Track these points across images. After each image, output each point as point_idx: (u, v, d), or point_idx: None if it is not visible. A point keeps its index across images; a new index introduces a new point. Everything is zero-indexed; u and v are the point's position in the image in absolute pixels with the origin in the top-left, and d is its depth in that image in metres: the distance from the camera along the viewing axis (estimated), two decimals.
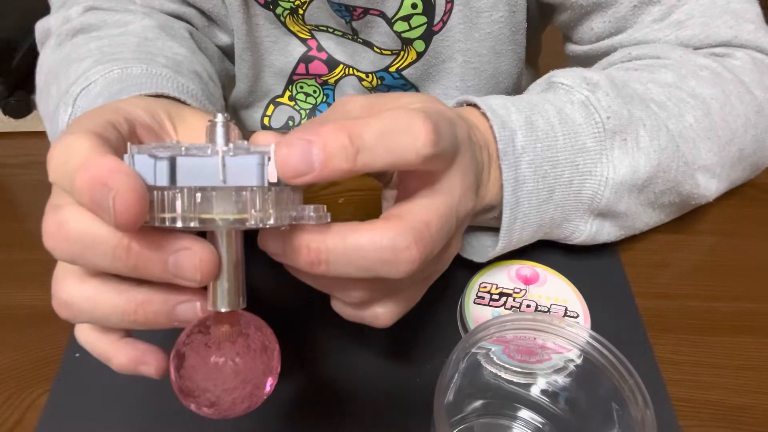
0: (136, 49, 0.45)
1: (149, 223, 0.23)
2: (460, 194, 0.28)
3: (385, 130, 0.24)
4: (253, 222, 0.23)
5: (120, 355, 0.27)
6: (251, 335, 0.26)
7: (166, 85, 0.39)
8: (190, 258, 0.24)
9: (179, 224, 0.23)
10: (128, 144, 0.23)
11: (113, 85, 0.39)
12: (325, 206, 0.25)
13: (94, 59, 0.42)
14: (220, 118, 0.24)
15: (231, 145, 0.23)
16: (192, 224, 0.23)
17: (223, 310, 0.25)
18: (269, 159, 0.23)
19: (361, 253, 0.25)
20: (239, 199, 0.23)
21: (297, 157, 0.22)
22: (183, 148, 0.23)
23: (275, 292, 0.41)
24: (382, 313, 0.29)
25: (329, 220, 0.25)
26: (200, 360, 0.25)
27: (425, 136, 0.24)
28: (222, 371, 0.25)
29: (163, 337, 0.28)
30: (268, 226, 0.23)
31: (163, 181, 0.22)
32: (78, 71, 0.42)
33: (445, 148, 0.26)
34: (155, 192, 0.23)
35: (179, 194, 0.23)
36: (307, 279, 0.28)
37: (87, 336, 0.28)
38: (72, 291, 0.26)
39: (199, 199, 0.23)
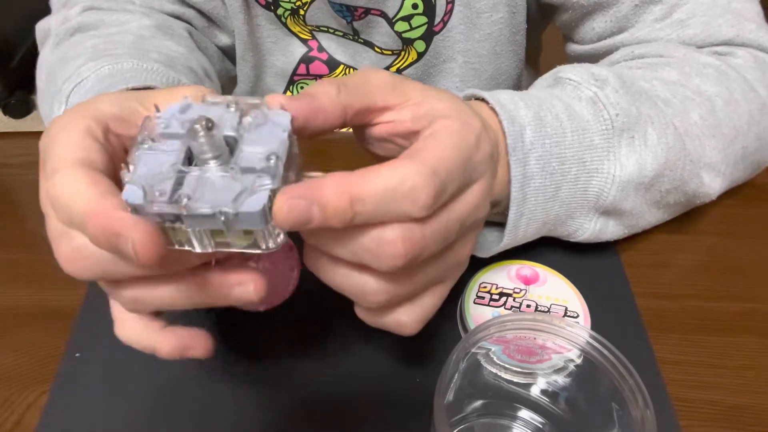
0: (131, 45, 0.45)
1: (168, 246, 0.24)
2: (473, 202, 0.28)
3: (388, 195, 0.24)
4: (265, 247, 0.24)
5: (165, 344, 0.28)
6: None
7: (155, 78, 0.39)
8: (245, 292, 0.26)
9: (197, 250, 0.24)
10: (124, 192, 0.23)
11: (104, 81, 0.39)
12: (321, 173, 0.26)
13: (87, 56, 0.42)
14: (199, 129, 0.23)
15: (230, 184, 0.23)
16: (208, 248, 0.24)
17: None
18: (270, 200, 0.23)
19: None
20: (249, 236, 0.24)
21: (296, 215, 0.23)
22: (185, 206, 0.23)
23: None
24: (406, 321, 0.29)
25: None
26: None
27: (423, 203, 0.25)
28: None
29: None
30: (278, 246, 0.25)
31: (171, 218, 0.23)
32: (72, 68, 0.42)
33: (444, 201, 0.26)
34: (166, 224, 0.23)
35: (190, 231, 0.24)
36: (328, 270, 0.28)
37: (129, 332, 0.29)
38: (131, 293, 0.27)
39: (210, 234, 0.24)
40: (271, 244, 0.24)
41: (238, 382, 0.37)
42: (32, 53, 0.52)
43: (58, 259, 0.25)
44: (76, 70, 0.41)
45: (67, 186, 0.24)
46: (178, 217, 0.23)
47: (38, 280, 0.43)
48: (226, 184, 0.23)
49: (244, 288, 0.26)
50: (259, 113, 0.25)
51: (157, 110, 0.26)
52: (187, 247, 0.24)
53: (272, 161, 0.23)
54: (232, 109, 0.25)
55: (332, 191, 0.24)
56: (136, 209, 0.23)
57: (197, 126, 0.23)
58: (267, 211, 0.23)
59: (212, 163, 0.24)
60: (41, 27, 0.52)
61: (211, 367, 0.37)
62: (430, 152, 0.26)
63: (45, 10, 0.54)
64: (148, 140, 0.24)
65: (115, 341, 0.38)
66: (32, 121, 0.73)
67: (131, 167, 0.24)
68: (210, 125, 0.23)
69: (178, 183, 0.23)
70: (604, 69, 0.40)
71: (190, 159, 0.24)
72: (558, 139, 0.36)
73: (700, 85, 0.41)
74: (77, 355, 0.38)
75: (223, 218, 0.23)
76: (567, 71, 0.40)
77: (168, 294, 0.26)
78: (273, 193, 0.23)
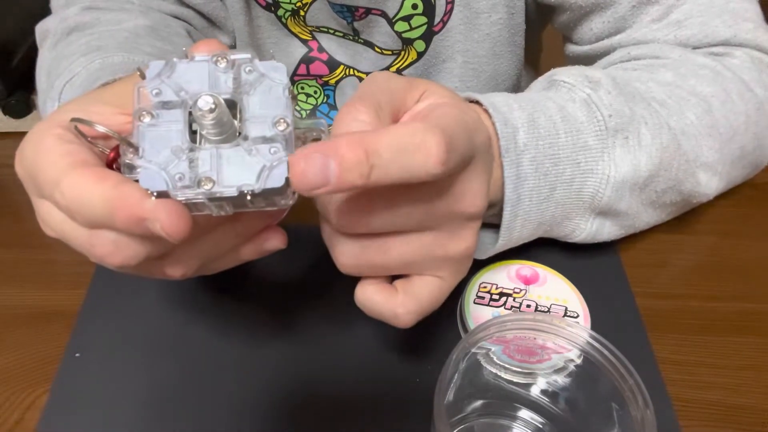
0: (123, 41, 0.45)
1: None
2: (469, 195, 0.29)
3: (400, 147, 0.24)
4: (282, 204, 0.25)
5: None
6: None
7: None
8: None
9: (215, 214, 0.25)
10: (139, 176, 0.23)
11: (94, 75, 0.39)
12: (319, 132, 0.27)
13: (80, 53, 0.43)
14: (205, 111, 0.23)
15: (247, 161, 0.23)
16: (229, 211, 0.25)
17: None
18: (287, 169, 0.23)
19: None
20: (267, 198, 0.25)
21: (313, 171, 0.23)
22: (210, 187, 0.23)
23: (275, 292, 0.41)
24: (401, 312, 0.30)
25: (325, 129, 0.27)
26: None
27: (437, 156, 0.25)
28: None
29: None
30: (296, 200, 0.25)
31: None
32: (64, 66, 0.42)
33: (456, 162, 0.26)
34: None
35: (210, 204, 0.24)
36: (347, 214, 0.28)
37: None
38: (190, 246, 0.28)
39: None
40: (289, 201, 0.25)
41: (237, 381, 0.37)
42: (32, 53, 0.52)
43: (99, 260, 0.26)
44: (67, 67, 0.41)
45: (77, 191, 0.24)
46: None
47: (38, 280, 0.43)
48: (242, 159, 0.23)
49: (270, 243, 0.30)
50: (252, 68, 0.25)
51: (143, 76, 0.25)
52: (206, 212, 0.25)
53: (281, 127, 0.24)
54: (222, 66, 0.25)
55: (346, 145, 0.23)
56: (159, 195, 0.23)
57: (200, 112, 0.23)
58: (288, 182, 0.23)
59: (221, 137, 0.24)
60: (41, 28, 0.52)
61: (211, 367, 0.37)
62: (435, 117, 0.27)
63: (45, 11, 0.54)
64: (145, 114, 0.24)
65: (115, 341, 0.39)
66: (32, 121, 0.73)
67: (139, 149, 0.24)
68: (214, 107, 0.23)
69: (193, 161, 0.23)
70: (598, 71, 0.40)
71: (190, 123, 0.24)
72: (551, 141, 0.36)
73: (695, 85, 0.41)
74: (77, 355, 0.38)
75: (249, 197, 0.23)
76: (561, 74, 0.40)
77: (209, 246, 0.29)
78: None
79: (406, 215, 0.28)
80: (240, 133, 0.24)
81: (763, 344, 0.39)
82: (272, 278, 0.42)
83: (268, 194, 0.24)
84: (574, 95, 0.38)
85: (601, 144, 0.37)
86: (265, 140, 0.24)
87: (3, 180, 0.53)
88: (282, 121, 0.24)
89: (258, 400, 0.36)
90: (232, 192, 0.23)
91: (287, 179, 0.23)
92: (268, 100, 0.24)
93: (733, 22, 0.45)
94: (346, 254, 0.30)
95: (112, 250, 0.25)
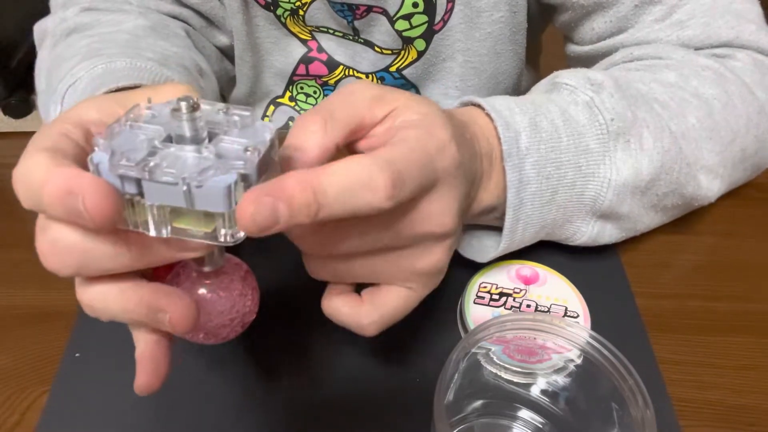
0: (124, 44, 0.45)
1: (123, 227, 0.23)
2: (436, 216, 0.29)
3: (347, 185, 0.24)
4: (222, 239, 0.24)
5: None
6: (231, 274, 0.29)
7: (147, 77, 0.39)
8: (162, 321, 0.26)
9: (152, 233, 0.23)
10: (91, 154, 0.23)
11: (97, 80, 0.39)
12: None
13: (81, 56, 0.43)
14: (183, 106, 0.23)
15: (202, 161, 0.23)
16: (164, 233, 0.23)
17: (209, 269, 0.28)
18: (237, 182, 0.22)
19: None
20: (209, 219, 0.23)
21: (263, 215, 0.23)
22: (148, 169, 0.22)
23: (275, 292, 0.41)
24: (365, 323, 0.30)
25: None
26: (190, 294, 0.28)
27: (383, 192, 0.25)
28: (208, 303, 0.29)
29: None
30: (238, 240, 0.24)
31: (132, 190, 0.23)
32: (66, 69, 0.42)
33: (408, 193, 0.26)
34: (126, 196, 0.23)
35: (149, 207, 0.23)
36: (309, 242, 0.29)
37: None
38: (89, 294, 0.26)
39: (169, 211, 0.23)
40: (229, 238, 0.24)
41: (237, 382, 0.37)
42: (32, 53, 0.52)
43: (39, 255, 0.25)
44: (69, 71, 0.41)
45: (25, 165, 0.24)
46: (139, 191, 0.22)
47: (38, 280, 0.43)
48: (197, 162, 0.23)
49: (162, 316, 0.25)
50: (247, 118, 0.25)
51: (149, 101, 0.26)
52: (141, 230, 0.23)
53: (248, 153, 0.23)
54: (221, 113, 0.25)
55: (295, 184, 0.23)
56: (98, 170, 0.22)
57: (182, 103, 0.23)
58: (233, 193, 0.22)
59: (190, 147, 0.23)
60: (39, 28, 0.52)
61: (211, 368, 0.37)
62: (386, 150, 0.27)
63: (45, 10, 0.54)
64: (131, 119, 0.24)
65: (115, 341, 0.39)
66: (32, 121, 0.73)
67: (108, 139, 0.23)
68: (195, 106, 0.23)
69: (150, 155, 0.23)
70: (601, 73, 0.40)
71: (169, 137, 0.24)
72: (553, 144, 0.36)
73: (698, 87, 0.41)
74: (77, 355, 0.38)
75: (185, 188, 0.22)
76: (564, 76, 0.40)
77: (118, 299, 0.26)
78: (242, 179, 0.23)
79: (371, 241, 0.28)
80: (207, 147, 0.23)
81: (763, 344, 0.39)
82: (271, 278, 0.42)
83: (209, 199, 0.22)
84: (577, 98, 0.38)
85: (602, 147, 0.37)
86: (228, 158, 0.23)
87: (3, 180, 0.53)
88: (254, 148, 0.23)
89: (257, 399, 0.36)
90: (169, 178, 0.22)
91: (231, 188, 0.22)
92: (249, 136, 0.24)
93: (736, 23, 0.45)
94: (312, 266, 0.30)
95: (48, 250, 0.24)
